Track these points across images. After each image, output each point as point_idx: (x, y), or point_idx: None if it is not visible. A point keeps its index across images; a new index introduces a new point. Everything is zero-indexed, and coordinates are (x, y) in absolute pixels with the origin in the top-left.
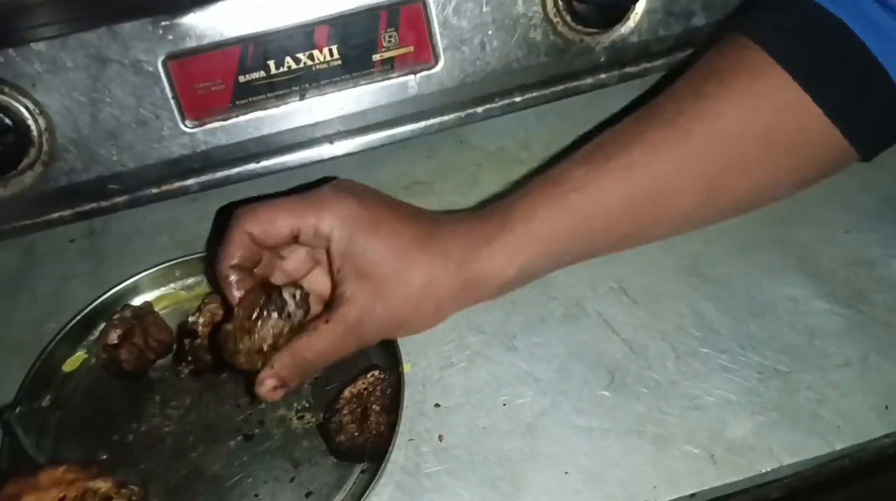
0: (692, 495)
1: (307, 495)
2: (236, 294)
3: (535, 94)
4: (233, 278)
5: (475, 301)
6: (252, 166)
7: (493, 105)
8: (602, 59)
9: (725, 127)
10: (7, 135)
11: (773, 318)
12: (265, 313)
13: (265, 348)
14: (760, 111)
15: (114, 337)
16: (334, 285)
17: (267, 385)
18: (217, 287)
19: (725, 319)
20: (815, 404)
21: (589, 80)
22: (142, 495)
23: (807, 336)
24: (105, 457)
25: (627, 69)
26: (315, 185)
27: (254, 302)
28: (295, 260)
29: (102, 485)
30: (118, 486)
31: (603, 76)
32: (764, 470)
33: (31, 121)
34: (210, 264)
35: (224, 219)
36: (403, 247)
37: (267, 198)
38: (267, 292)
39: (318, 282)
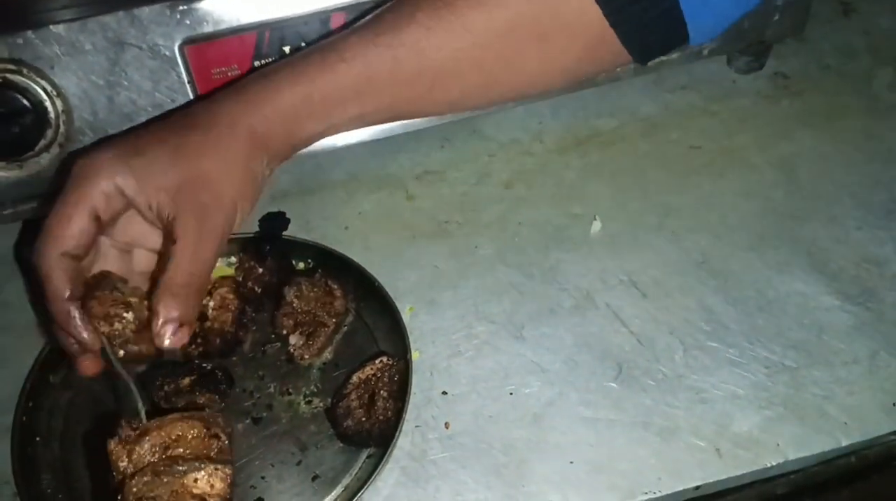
0: (697, 487)
1: (313, 478)
2: (87, 334)
3: None
4: (76, 313)
5: (273, 160)
6: None
7: None
8: None
9: (502, 17)
10: (25, 117)
11: (782, 314)
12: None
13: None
14: (541, 6)
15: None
16: (161, 220)
17: (167, 333)
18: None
19: (734, 313)
20: (822, 400)
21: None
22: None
23: (815, 332)
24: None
25: None
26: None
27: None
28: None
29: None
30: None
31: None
32: (769, 465)
33: (48, 103)
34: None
35: None
36: (178, 142)
37: None
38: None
39: (143, 261)
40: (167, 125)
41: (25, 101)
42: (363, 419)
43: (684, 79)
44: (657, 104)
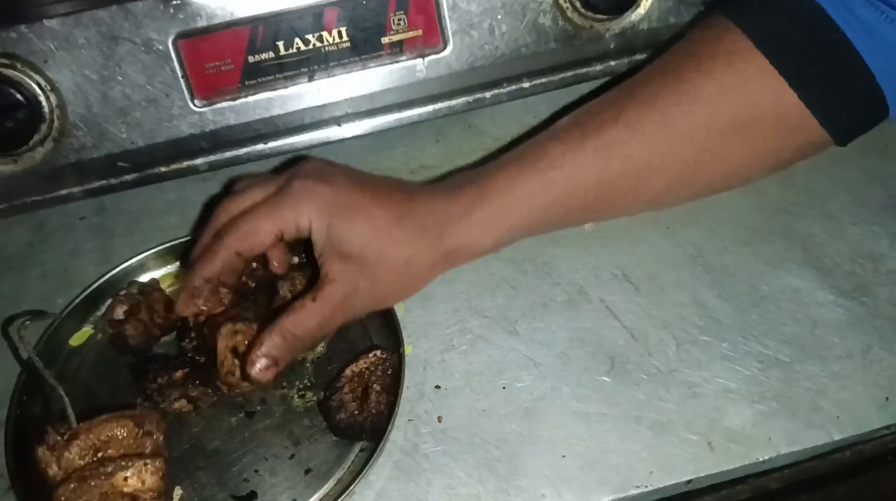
0: (688, 481)
1: (306, 472)
2: (191, 306)
3: (543, 80)
4: (201, 288)
5: (450, 267)
6: (260, 146)
7: (502, 90)
8: (612, 46)
9: (702, 112)
10: (19, 111)
11: (776, 308)
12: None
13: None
14: (738, 97)
15: (120, 312)
16: (319, 265)
17: (259, 365)
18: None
19: (727, 308)
20: (814, 394)
21: (598, 67)
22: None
23: (809, 326)
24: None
25: (637, 56)
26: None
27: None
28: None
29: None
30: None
31: (612, 63)
32: (761, 459)
33: (42, 98)
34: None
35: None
36: (381, 227)
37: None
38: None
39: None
40: (381, 201)
41: (19, 96)
42: (356, 412)
43: None
44: None
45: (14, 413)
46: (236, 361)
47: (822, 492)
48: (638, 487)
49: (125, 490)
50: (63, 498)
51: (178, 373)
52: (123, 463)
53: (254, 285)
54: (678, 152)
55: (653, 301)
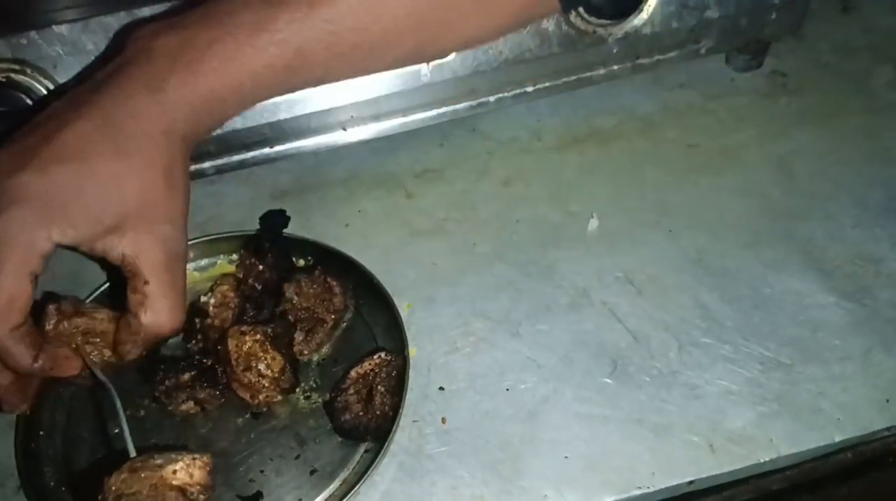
0: (690, 482)
1: (311, 472)
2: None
3: (547, 85)
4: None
5: (192, 137)
6: (266, 150)
7: (506, 94)
8: (615, 51)
9: None
10: (28, 115)
11: (778, 311)
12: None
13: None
14: None
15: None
16: (114, 262)
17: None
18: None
19: (729, 311)
20: (816, 396)
21: (601, 72)
22: None
23: (810, 329)
24: (116, 431)
25: (640, 61)
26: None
27: None
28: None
29: None
30: None
31: (616, 68)
32: (763, 460)
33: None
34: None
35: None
36: (96, 170)
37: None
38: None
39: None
40: (68, 143)
41: (29, 101)
42: (361, 413)
43: (682, 77)
44: (655, 102)
45: (24, 414)
46: (252, 362)
47: (823, 493)
48: (640, 488)
49: (174, 482)
50: (114, 487)
51: (186, 376)
52: (174, 456)
53: (260, 288)
54: (412, 24)
55: (655, 303)
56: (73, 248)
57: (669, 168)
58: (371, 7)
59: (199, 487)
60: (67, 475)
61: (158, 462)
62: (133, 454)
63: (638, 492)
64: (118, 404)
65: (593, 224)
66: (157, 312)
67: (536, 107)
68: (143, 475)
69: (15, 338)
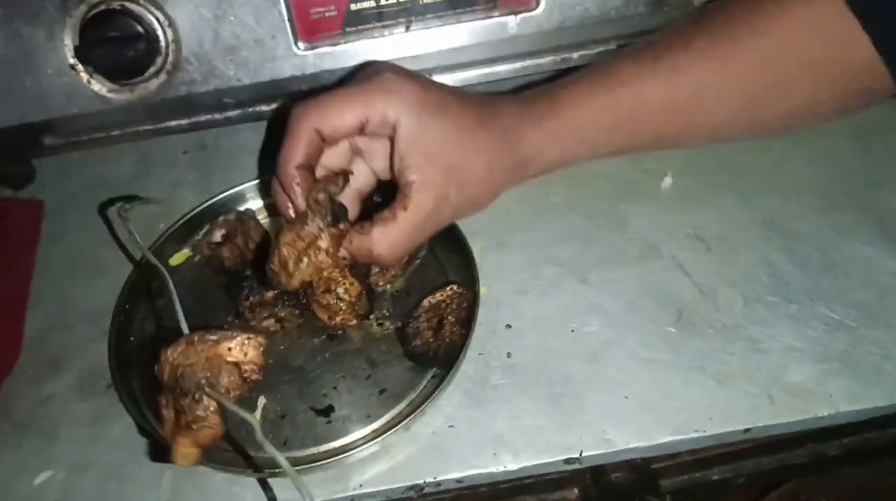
0: (746, 430)
1: (381, 392)
2: (301, 201)
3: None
4: (299, 180)
5: (521, 179)
6: None
7: (589, 52)
8: None
9: (774, 45)
10: (139, 43)
11: (845, 275)
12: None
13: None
14: (811, 34)
15: (217, 235)
16: (397, 175)
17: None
18: (274, 193)
19: (797, 272)
20: (879, 358)
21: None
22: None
23: (878, 294)
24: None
25: None
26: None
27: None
28: (335, 152)
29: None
30: None
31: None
32: (821, 415)
33: (160, 32)
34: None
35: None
36: (468, 129)
37: None
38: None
39: (359, 174)
40: (466, 105)
41: (140, 28)
42: (431, 340)
43: None
44: None
45: (118, 320)
46: (331, 286)
47: (881, 461)
48: (696, 431)
49: (228, 358)
50: (171, 358)
51: (270, 294)
52: (230, 334)
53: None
54: (745, 83)
55: (723, 260)
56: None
57: None
58: (706, 62)
59: (252, 365)
60: (152, 378)
61: (214, 337)
62: (186, 331)
63: (694, 435)
64: (170, 284)
65: (667, 182)
66: (390, 235)
67: None
68: (199, 348)
69: (309, 134)
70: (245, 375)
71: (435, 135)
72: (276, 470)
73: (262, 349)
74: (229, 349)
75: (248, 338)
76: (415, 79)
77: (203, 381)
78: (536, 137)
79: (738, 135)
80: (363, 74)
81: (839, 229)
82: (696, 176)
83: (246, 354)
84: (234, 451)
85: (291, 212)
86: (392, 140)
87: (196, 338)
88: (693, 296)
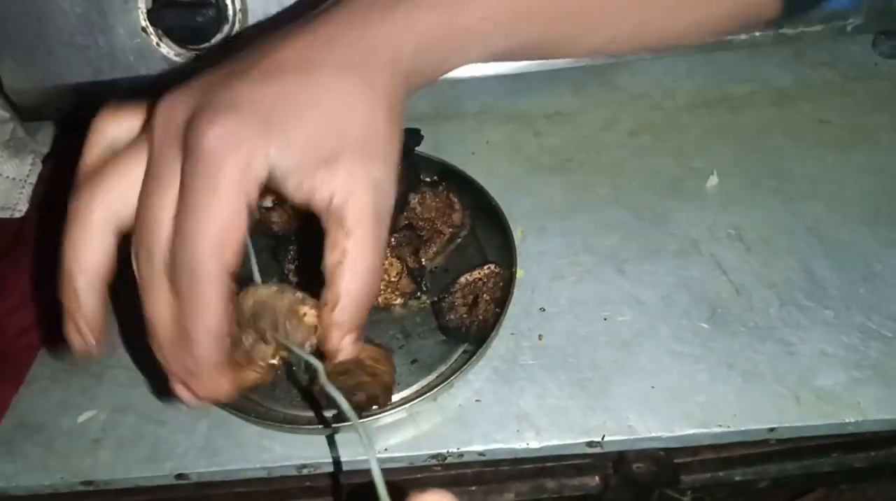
0: (771, 430)
1: (412, 362)
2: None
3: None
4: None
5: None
6: None
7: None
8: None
9: None
10: (209, 9)
11: (886, 287)
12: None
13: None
14: None
15: (268, 200)
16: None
17: (346, 346)
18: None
19: (836, 280)
20: None
21: (743, 37)
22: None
23: None
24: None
25: (784, 31)
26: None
27: None
28: None
29: None
30: None
31: (758, 34)
32: (848, 421)
33: (229, 1)
34: None
35: None
36: (321, 97)
37: None
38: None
39: None
40: (289, 56)
41: None
42: (464, 316)
43: (825, 55)
44: (793, 76)
45: None
46: None
47: None
48: (721, 426)
49: (306, 319)
50: (260, 294)
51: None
52: (313, 300)
53: None
54: None
55: (763, 262)
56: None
57: (797, 139)
58: None
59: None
60: None
61: (300, 296)
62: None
63: (718, 429)
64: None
65: (712, 181)
66: (358, 274)
67: (672, 68)
68: (285, 298)
69: (221, 283)
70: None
71: (303, 137)
72: (308, 427)
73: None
74: (311, 309)
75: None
76: (234, 102)
77: (280, 327)
78: (404, 50)
79: (624, 51)
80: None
81: (883, 241)
82: (742, 177)
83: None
84: (266, 406)
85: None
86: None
87: (287, 289)
88: (728, 295)
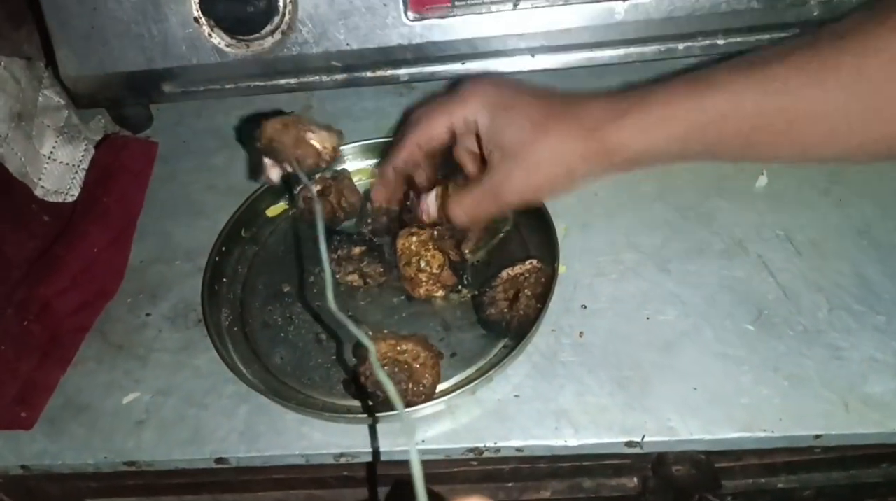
0: (817, 436)
1: (452, 355)
2: (382, 192)
3: (738, 39)
4: (390, 177)
5: (604, 167)
6: (457, 66)
7: (695, 44)
8: (815, 14)
9: (879, 68)
10: (259, 1)
11: None
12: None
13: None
14: None
15: (314, 189)
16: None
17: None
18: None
19: (889, 284)
20: None
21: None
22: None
23: None
24: (287, 290)
25: None
26: None
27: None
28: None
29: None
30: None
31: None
32: None
33: None
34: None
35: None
36: (537, 119)
37: None
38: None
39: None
40: (540, 101)
41: None
42: (505, 310)
43: None
44: None
45: (213, 260)
46: (412, 258)
47: None
48: (765, 431)
49: (312, 141)
50: (270, 129)
51: (357, 249)
52: (316, 127)
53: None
54: (840, 102)
55: (812, 265)
56: None
57: None
58: (802, 77)
59: (330, 149)
60: (241, 316)
61: (304, 126)
62: (324, 248)
63: (761, 434)
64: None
65: (762, 181)
66: (464, 199)
67: None
68: (291, 129)
69: (412, 145)
70: (324, 157)
71: (505, 129)
72: (348, 416)
73: (337, 141)
74: (313, 133)
75: (330, 132)
76: (491, 83)
77: (293, 157)
78: (618, 127)
79: (829, 156)
80: (454, 89)
81: None
82: (792, 177)
83: (325, 146)
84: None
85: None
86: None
87: (290, 121)
88: (776, 297)
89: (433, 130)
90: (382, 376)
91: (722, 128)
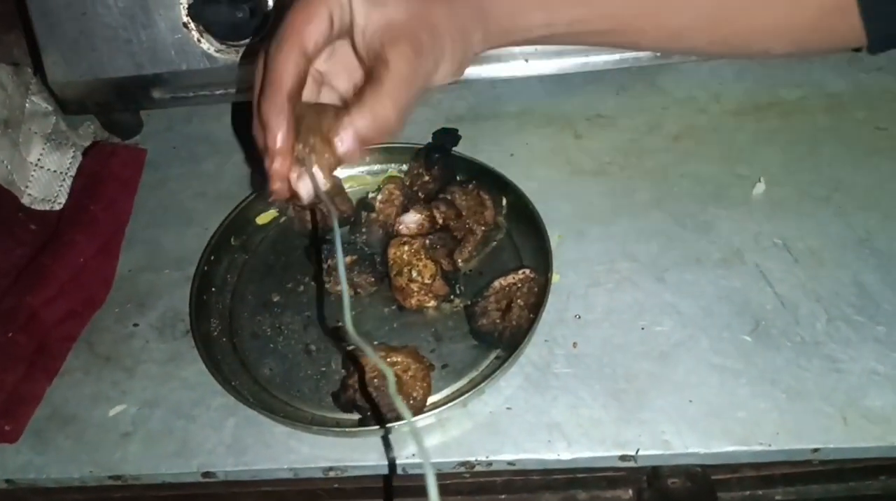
0: (815, 450)
1: (443, 366)
2: (288, 138)
3: None
4: (287, 112)
5: (484, 33)
6: None
7: (688, 59)
8: None
9: None
10: (248, 6)
11: None
12: None
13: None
14: None
15: (304, 199)
16: (368, 59)
17: (346, 139)
18: (260, 129)
19: (889, 294)
20: None
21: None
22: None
23: None
24: (276, 299)
25: None
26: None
27: None
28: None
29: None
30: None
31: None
32: None
33: None
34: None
35: None
36: None
37: None
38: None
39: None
40: None
41: None
42: (497, 321)
43: (882, 61)
44: (847, 82)
45: (201, 269)
46: (404, 268)
47: None
48: (762, 444)
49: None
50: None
51: (347, 259)
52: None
53: (423, 196)
54: None
55: (810, 274)
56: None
57: (851, 147)
58: None
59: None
60: (230, 326)
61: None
62: (342, 265)
63: (758, 448)
64: (336, 224)
65: (759, 188)
66: (385, 96)
67: (720, 71)
68: (320, 117)
69: (292, 58)
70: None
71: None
72: (336, 429)
73: None
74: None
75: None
76: None
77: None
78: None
79: (697, 45)
80: None
81: None
82: (791, 185)
83: None
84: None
85: (279, 142)
86: (352, 38)
87: (321, 109)
88: (773, 307)
89: (318, 26)
90: (399, 403)
91: (592, 3)
